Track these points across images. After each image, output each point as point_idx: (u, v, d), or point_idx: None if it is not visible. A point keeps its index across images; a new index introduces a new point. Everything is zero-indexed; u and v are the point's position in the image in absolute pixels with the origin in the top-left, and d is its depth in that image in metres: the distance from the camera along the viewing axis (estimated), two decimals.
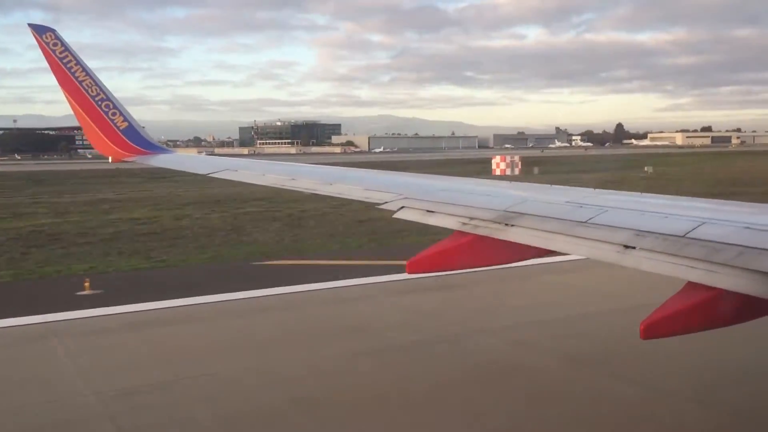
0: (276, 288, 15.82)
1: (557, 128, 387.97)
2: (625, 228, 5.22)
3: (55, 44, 11.59)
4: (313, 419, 8.74)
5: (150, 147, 12.52)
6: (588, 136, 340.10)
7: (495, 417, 8.71)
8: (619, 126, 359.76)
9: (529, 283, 16.02)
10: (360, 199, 7.83)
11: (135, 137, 12.29)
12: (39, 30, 11.69)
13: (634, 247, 4.92)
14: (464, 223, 6.26)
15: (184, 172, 11.99)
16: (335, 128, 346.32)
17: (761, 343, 10.40)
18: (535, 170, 65.31)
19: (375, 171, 10.22)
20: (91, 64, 11.89)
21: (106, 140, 12.09)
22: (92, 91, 11.81)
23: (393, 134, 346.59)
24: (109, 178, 65.95)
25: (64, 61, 11.62)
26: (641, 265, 4.79)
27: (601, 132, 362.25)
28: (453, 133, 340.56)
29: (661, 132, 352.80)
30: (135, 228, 28.59)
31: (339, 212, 31.52)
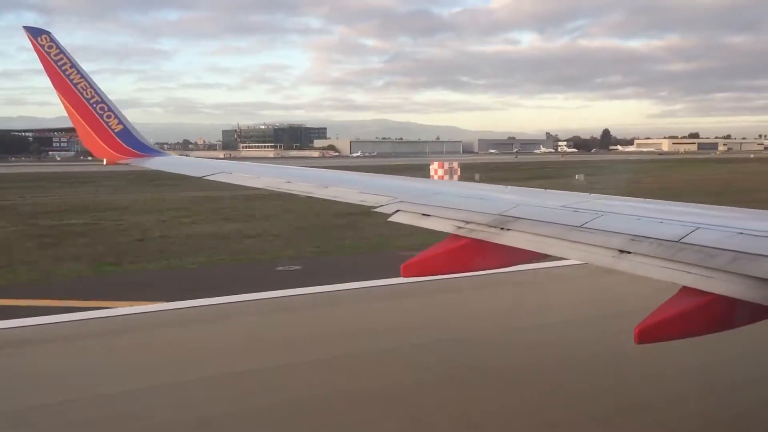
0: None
1: (547, 133, 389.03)
2: (620, 233, 5.24)
3: (50, 47, 11.58)
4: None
5: (145, 149, 12.51)
6: (575, 141, 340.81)
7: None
8: (606, 132, 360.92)
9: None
10: (356, 202, 7.84)
11: (129, 140, 12.28)
12: (34, 32, 11.67)
13: (629, 252, 4.94)
14: (459, 227, 6.28)
15: (179, 174, 11.95)
16: (321, 132, 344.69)
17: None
18: (476, 177, 63.30)
19: (371, 174, 10.23)
20: (84, 66, 11.87)
21: (101, 142, 12.08)
22: (87, 94, 11.80)
23: (383, 139, 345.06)
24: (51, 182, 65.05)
25: (59, 63, 11.61)
26: (636, 270, 4.81)
27: (589, 138, 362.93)
28: (438, 138, 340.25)
29: (648, 138, 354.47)
30: None
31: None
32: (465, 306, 14.61)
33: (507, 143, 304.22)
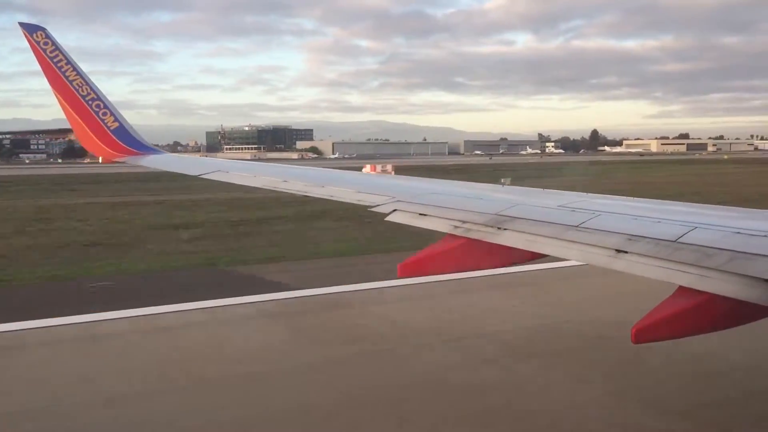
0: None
1: (540, 134, 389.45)
2: (617, 232, 5.24)
3: (45, 43, 11.54)
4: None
5: (141, 147, 12.47)
6: (563, 142, 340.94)
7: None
8: (594, 132, 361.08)
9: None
10: (352, 201, 7.83)
11: (125, 137, 12.23)
12: (29, 29, 11.63)
13: (626, 252, 4.94)
14: (456, 227, 6.26)
15: (174, 173, 11.93)
16: (308, 133, 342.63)
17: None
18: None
19: (368, 174, 10.25)
20: None
21: (97, 140, 12.03)
22: (83, 91, 11.75)
23: (374, 140, 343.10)
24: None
25: (55, 60, 11.56)
26: (633, 270, 4.81)
27: (579, 138, 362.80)
28: (425, 139, 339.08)
29: (638, 139, 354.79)
30: None
31: None
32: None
33: (494, 144, 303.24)
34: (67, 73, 11.59)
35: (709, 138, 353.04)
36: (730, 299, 4.28)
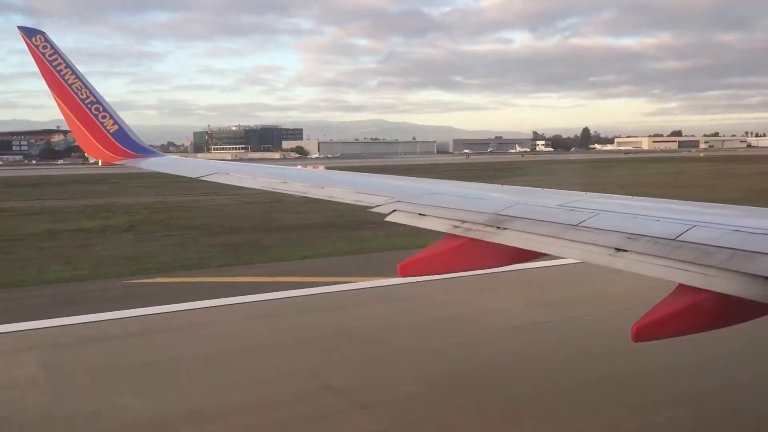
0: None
1: (534, 132, 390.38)
2: (616, 231, 5.24)
3: (44, 47, 11.54)
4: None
5: (140, 150, 12.48)
6: (554, 140, 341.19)
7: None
8: (585, 130, 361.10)
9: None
10: (351, 202, 7.84)
11: (125, 140, 12.24)
12: (28, 33, 11.63)
13: (625, 250, 4.94)
14: (456, 226, 6.27)
15: (175, 175, 11.93)
16: (297, 133, 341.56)
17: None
18: None
19: (368, 174, 10.23)
20: None
21: (96, 143, 12.04)
22: (82, 94, 11.76)
23: (365, 140, 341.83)
24: None
25: (54, 63, 11.57)
26: (633, 268, 4.81)
27: (572, 136, 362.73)
28: (414, 138, 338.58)
29: (630, 136, 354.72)
30: None
31: None
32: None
33: (483, 143, 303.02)
34: (66, 77, 11.59)
35: (704, 135, 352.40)
36: (730, 297, 4.28)
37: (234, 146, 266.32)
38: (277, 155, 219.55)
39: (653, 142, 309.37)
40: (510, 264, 6.33)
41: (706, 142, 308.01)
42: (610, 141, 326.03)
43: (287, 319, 13.89)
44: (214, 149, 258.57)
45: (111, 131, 12.03)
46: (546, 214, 6.04)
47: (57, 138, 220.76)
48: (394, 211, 7.08)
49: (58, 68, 11.55)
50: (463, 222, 6.27)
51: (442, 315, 13.90)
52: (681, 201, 6.58)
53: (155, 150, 13.50)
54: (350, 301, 15.52)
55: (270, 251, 22.98)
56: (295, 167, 11.54)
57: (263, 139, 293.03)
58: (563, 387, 9.81)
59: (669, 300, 4.68)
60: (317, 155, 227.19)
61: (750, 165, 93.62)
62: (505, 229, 5.90)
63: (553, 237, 5.53)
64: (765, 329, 5.83)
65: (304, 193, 8.71)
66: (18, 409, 9.25)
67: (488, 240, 5.89)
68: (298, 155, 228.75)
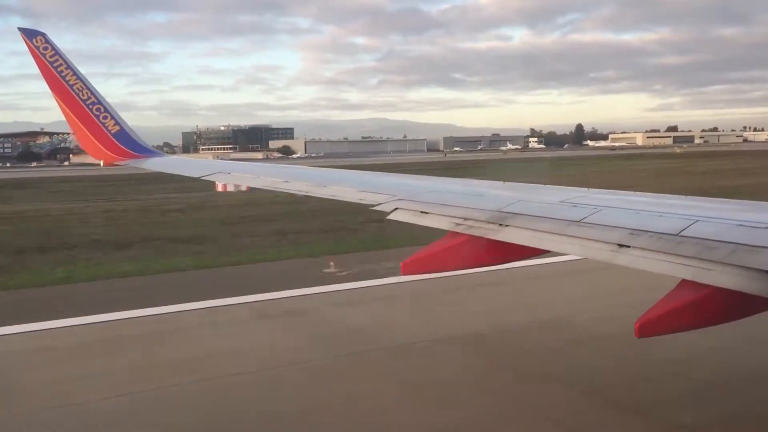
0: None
1: (531, 129, 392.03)
2: (619, 227, 5.23)
3: (45, 48, 11.55)
4: None
5: (142, 150, 12.50)
6: (548, 137, 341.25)
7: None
8: (579, 127, 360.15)
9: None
10: (354, 201, 7.84)
11: (126, 141, 12.26)
12: (29, 34, 11.64)
13: (628, 246, 4.94)
14: (458, 224, 6.27)
15: (177, 175, 11.95)
16: (288, 132, 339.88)
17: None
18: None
19: (370, 173, 10.23)
20: None
21: (98, 144, 12.05)
22: (83, 95, 11.77)
23: (359, 138, 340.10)
24: None
25: (55, 65, 11.58)
26: (636, 264, 4.81)
27: (568, 132, 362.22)
28: (405, 136, 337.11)
29: (624, 132, 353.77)
30: None
31: None
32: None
33: (474, 141, 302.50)
34: (67, 78, 11.61)
35: (703, 130, 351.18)
36: (733, 292, 4.28)
37: (222, 146, 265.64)
38: (259, 155, 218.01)
39: (648, 137, 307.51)
40: (513, 261, 6.34)
41: (701, 137, 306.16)
42: (604, 137, 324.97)
43: None
44: (203, 149, 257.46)
45: (112, 132, 12.04)
46: (548, 210, 6.04)
47: (42, 140, 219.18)
48: (397, 209, 7.09)
49: (59, 69, 11.56)
50: (466, 219, 6.28)
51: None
52: (683, 196, 6.57)
53: (156, 150, 13.53)
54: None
55: None
56: (297, 166, 11.58)
57: (251, 139, 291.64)
58: None
59: (672, 295, 4.68)
60: (299, 154, 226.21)
61: (717, 161, 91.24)
62: (507, 226, 5.90)
63: (555, 233, 5.53)
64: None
65: (307, 192, 8.72)
66: None
67: (490, 237, 5.90)
68: (280, 155, 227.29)
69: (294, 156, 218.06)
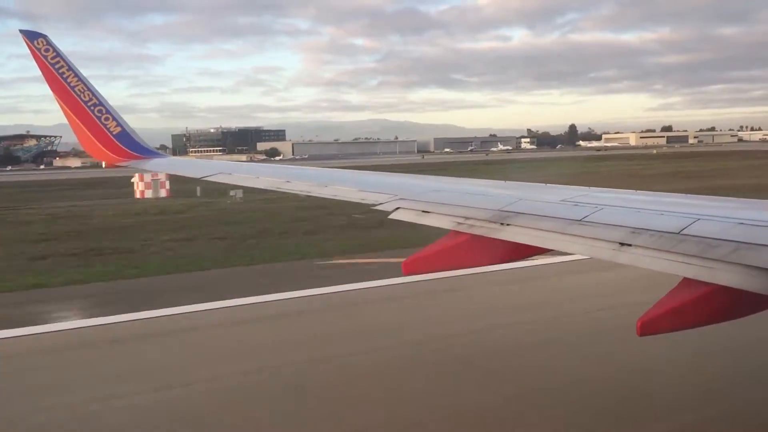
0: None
1: (528, 130, 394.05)
2: (620, 225, 5.24)
3: (46, 50, 11.54)
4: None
5: (143, 152, 12.48)
6: (541, 138, 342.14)
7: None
8: (572, 127, 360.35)
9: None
10: (355, 200, 7.84)
11: (128, 142, 12.24)
12: (30, 36, 11.64)
13: (630, 245, 4.94)
14: (459, 223, 6.28)
15: (179, 175, 11.96)
16: (279, 134, 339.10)
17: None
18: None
19: (371, 172, 10.24)
20: None
21: (100, 145, 12.04)
22: (85, 97, 11.76)
23: (365, 139, 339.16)
24: None
25: (57, 66, 11.57)
26: (637, 263, 4.81)
27: (561, 133, 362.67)
28: (396, 138, 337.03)
29: (618, 132, 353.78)
30: None
31: None
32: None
33: (460, 141, 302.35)
34: (68, 79, 11.60)
35: (699, 130, 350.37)
36: (734, 290, 4.28)
37: (211, 148, 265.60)
38: (244, 158, 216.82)
39: (641, 137, 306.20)
40: (514, 260, 6.34)
41: (695, 137, 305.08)
42: (598, 138, 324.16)
43: None
44: (192, 152, 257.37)
45: (114, 133, 12.04)
46: (549, 209, 6.04)
47: (29, 143, 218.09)
48: (398, 208, 7.09)
49: (60, 71, 11.56)
50: (467, 218, 6.28)
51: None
52: (685, 195, 6.58)
53: (158, 151, 13.53)
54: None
55: None
56: (298, 166, 11.59)
57: (240, 141, 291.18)
58: None
59: (674, 294, 4.68)
60: (282, 156, 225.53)
61: (684, 162, 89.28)
62: (508, 225, 5.91)
63: (556, 232, 5.53)
64: None
65: (308, 192, 8.72)
66: None
67: (492, 236, 5.90)
68: (265, 157, 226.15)
69: (278, 158, 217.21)
